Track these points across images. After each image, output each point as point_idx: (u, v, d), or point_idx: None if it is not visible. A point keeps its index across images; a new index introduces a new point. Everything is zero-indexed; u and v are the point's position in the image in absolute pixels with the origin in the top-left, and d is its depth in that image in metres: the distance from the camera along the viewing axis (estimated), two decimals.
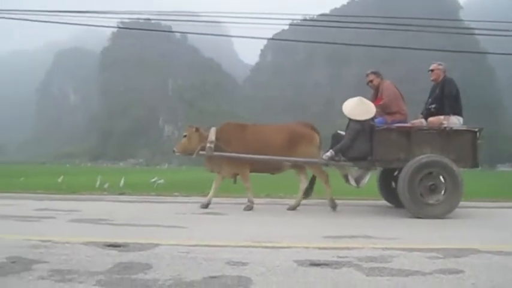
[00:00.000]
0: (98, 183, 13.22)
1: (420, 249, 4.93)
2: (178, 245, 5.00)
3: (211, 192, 9.30)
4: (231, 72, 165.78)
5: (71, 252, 4.61)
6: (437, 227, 6.93)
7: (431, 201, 8.08)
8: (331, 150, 8.73)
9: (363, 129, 8.57)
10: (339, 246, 5.11)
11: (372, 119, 8.72)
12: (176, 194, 11.48)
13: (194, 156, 9.23)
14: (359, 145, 8.58)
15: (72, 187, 10.64)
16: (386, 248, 4.98)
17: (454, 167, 8.07)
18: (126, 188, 13.44)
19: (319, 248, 4.99)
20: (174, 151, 9.52)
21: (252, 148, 8.95)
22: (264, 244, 5.16)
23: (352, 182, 9.02)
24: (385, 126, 8.61)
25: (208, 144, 8.93)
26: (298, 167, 9.34)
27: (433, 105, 9.02)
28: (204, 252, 4.69)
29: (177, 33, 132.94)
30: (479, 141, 8.51)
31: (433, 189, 8.10)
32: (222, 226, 6.94)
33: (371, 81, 9.44)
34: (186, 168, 78.86)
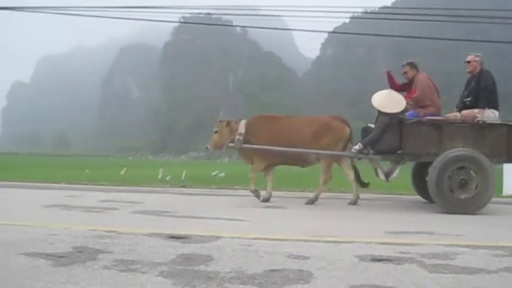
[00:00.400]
0: (159, 175, 13.42)
1: (485, 246, 4.81)
2: (239, 237, 5.04)
3: (269, 186, 9.36)
4: (291, 66, 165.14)
5: (134, 243, 4.70)
6: (502, 225, 6.77)
7: (461, 197, 7.91)
8: (359, 144, 8.65)
9: (392, 122, 8.50)
10: (401, 242, 5.05)
11: (402, 112, 8.62)
12: (237, 187, 11.55)
13: (224, 149, 9.48)
14: (388, 138, 8.50)
15: (134, 179, 10.85)
16: (450, 245, 4.88)
17: (485, 161, 7.88)
18: (187, 181, 13.59)
19: (381, 243, 4.94)
20: (207, 148, 9.72)
21: (279, 140, 8.96)
22: (325, 238, 5.14)
23: (382, 175, 8.97)
24: (415, 120, 8.48)
25: (237, 137, 9.06)
26: (337, 160, 9.23)
27: (468, 98, 8.77)
28: (265, 245, 4.71)
29: (237, 28, 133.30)
30: None
31: (463, 184, 7.92)
32: (283, 219, 6.95)
33: (405, 72, 9.30)
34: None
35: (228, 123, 9.42)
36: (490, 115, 8.46)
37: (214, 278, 3.52)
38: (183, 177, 14.17)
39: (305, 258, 4.20)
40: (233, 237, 5.06)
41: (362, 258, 4.25)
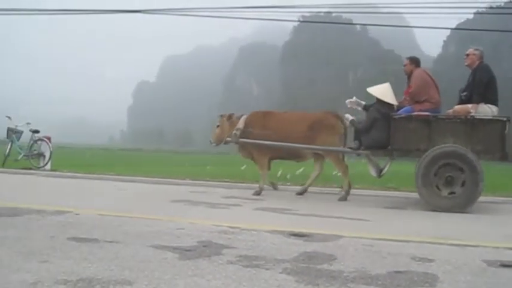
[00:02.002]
0: (279, 173, 13.51)
1: None
2: (361, 237, 4.99)
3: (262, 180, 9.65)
4: None
5: (257, 239, 4.77)
6: None
7: (447, 194, 7.82)
8: (352, 119, 9.00)
9: (381, 117, 8.55)
10: None
11: (392, 107, 8.70)
12: (357, 186, 11.43)
13: (224, 143, 9.96)
14: (375, 133, 8.56)
15: (255, 176, 10.98)
16: None
17: (474, 158, 7.67)
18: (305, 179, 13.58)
19: (510, 249, 4.73)
20: (210, 142, 10.19)
21: (275, 135, 9.24)
22: (450, 241, 4.98)
23: (373, 172, 9.14)
24: (404, 115, 8.46)
25: (234, 131, 9.52)
26: (318, 155, 9.53)
27: (464, 93, 8.68)
28: (388, 246, 4.64)
29: (357, 26, 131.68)
30: (506, 132, 7.87)
31: (450, 181, 7.79)
32: (405, 220, 6.81)
33: (405, 65, 9.36)
34: (366, 162, 78.22)
35: (229, 118, 9.90)
36: (486, 110, 8.28)
37: (337, 277, 3.51)
38: (297, 173, 14.16)
39: (430, 260, 4.10)
40: (355, 237, 5.02)
41: (490, 263, 4.08)
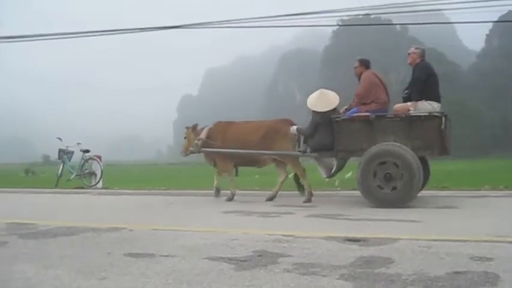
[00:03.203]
0: (336, 182, 13.50)
1: None
2: (418, 239, 4.92)
3: (232, 186, 10.22)
4: (455, 61, 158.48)
5: (312, 246, 4.75)
6: None
7: (386, 191, 8.01)
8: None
9: (323, 121, 8.87)
10: None
11: (335, 110, 9.06)
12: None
13: (188, 154, 10.64)
14: (320, 136, 8.89)
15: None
16: None
17: (409, 155, 7.90)
18: (353, 183, 13.46)
19: None
20: (181, 153, 10.86)
21: (234, 145, 9.85)
22: (508, 239, 4.86)
23: (322, 173, 9.57)
24: (346, 117, 8.83)
25: (196, 141, 10.19)
26: (278, 161, 9.96)
27: (406, 92, 9.00)
28: (445, 246, 4.56)
29: (397, 26, 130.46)
30: (443, 127, 8.11)
31: (388, 179, 7.98)
32: (459, 220, 6.68)
33: (355, 67, 9.58)
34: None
35: (194, 129, 10.60)
36: (426, 107, 8.55)
37: (396, 281, 3.47)
38: (347, 177, 14.07)
39: (489, 259, 4.02)
40: (411, 239, 4.94)
41: None
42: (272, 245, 4.88)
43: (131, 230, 6.23)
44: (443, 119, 8.19)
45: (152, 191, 13.47)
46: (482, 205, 8.32)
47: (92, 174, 15.92)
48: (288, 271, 3.86)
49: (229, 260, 4.30)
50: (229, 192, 10.06)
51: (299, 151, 9.47)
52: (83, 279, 3.84)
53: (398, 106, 8.80)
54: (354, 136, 8.60)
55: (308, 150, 9.24)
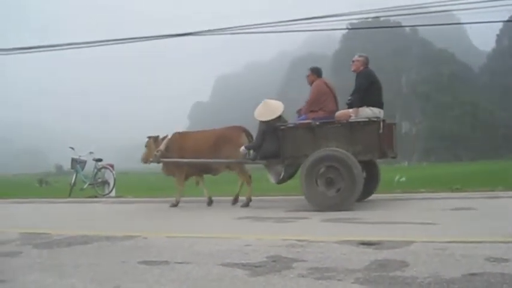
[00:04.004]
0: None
1: None
2: (432, 241, 4.88)
3: (205, 192, 10.67)
4: (466, 61, 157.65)
5: (326, 251, 4.74)
6: None
7: (329, 194, 8.28)
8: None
9: (269, 129, 9.18)
10: None
11: (280, 118, 9.42)
12: (422, 190, 11.27)
13: (149, 163, 10.89)
14: (267, 144, 9.19)
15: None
16: None
17: (350, 160, 8.15)
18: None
19: None
20: (140, 161, 11.09)
21: (190, 154, 10.22)
22: None
23: (271, 179, 9.73)
24: (290, 124, 9.16)
25: (155, 152, 10.45)
26: (232, 168, 10.27)
27: (349, 98, 9.10)
28: (461, 248, 4.52)
29: (406, 28, 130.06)
30: (380, 132, 8.37)
31: (330, 183, 8.27)
32: (474, 221, 6.63)
33: (307, 76, 9.79)
34: (427, 164, 77.15)
35: (155, 140, 10.79)
36: (368, 113, 8.71)
37: (411, 284, 3.45)
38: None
39: (505, 260, 3.99)
40: (426, 242, 4.90)
41: None
42: (286, 250, 4.87)
43: (145, 238, 6.24)
44: (381, 124, 8.46)
45: (166, 198, 13.47)
46: (497, 206, 8.27)
47: (105, 183, 15.96)
48: (303, 276, 3.85)
49: (244, 266, 4.30)
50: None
51: (248, 159, 9.70)
52: (98, 287, 3.85)
53: (340, 113, 9.01)
54: (299, 143, 8.86)
55: (257, 157, 9.53)
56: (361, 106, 8.77)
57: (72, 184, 16.51)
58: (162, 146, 10.46)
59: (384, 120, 8.68)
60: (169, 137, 10.71)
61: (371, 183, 9.37)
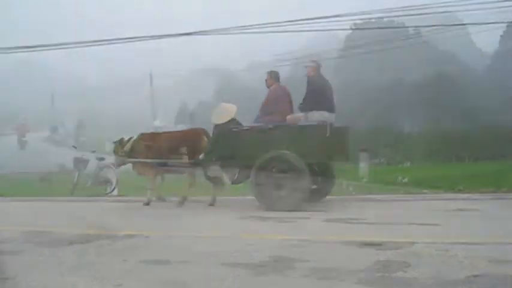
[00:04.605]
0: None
1: None
2: (434, 242, 4.87)
3: (149, 193, 10.70)
4: (468, 63, 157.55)
5: (328, 251, 4.74)
6: None
7: (279, 195, 8.49)
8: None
9: (222, 132, 9.46)
10: None
11: (234, 121, 9.56)
12: (425, 191, 11.24)
13: (119, 166, 11.42)
14: (220, 147, 9.42)
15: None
16: None
17: (297, 162, 8.35)
18: (373, 188, 13.37)
19: None
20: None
21: (156, 154, 10.34)
22: None
23: (227, 179, 9.94)
24: (244, 127, 9.45)
25: (120, 153, 10.79)
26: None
27: (301, 103, 9.22)
28: (463, 249, 4.51)
29: (409, 28, 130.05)
30: (327, 135, 8.54)
31: (279, 183, 8.49)
32: (476, 222, 6.64)
33: (266, 80, 9.94)
34: (430, 165, 76.96)
35: (120, 143, 10.94)
36: (317, 117, 8.90)
37: (413, 285, 3.45)
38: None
39: (508, 262, 3.98)
40: (428, 243, 4.89)
41: None
42: (288, 250, 4.85)
43: (147, 237, 6.22)
44: (327, 127, 8.62)
45: (168, 198, 13.44)
46: (500, 207, 8.26)
47: (107, 181, 15.90)
48: (305, 276, 3.85)
49: (246, 265, 4.29)
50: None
51: (202, 159, 9.80)
52: (99, 286, 3.85)
53: (290, 117, 9.21)
54: (250, 145, 9.08)
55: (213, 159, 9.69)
56: (311, 110, 8.94)
57: (74, 183, 16.45)
58: (126, 147, 10.74)
59: (330, 124, 8.82)
60: (134, 138, 10.91)
61: (326, 184, 9.55)
